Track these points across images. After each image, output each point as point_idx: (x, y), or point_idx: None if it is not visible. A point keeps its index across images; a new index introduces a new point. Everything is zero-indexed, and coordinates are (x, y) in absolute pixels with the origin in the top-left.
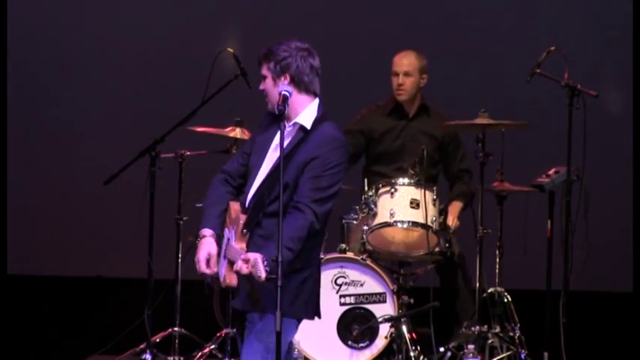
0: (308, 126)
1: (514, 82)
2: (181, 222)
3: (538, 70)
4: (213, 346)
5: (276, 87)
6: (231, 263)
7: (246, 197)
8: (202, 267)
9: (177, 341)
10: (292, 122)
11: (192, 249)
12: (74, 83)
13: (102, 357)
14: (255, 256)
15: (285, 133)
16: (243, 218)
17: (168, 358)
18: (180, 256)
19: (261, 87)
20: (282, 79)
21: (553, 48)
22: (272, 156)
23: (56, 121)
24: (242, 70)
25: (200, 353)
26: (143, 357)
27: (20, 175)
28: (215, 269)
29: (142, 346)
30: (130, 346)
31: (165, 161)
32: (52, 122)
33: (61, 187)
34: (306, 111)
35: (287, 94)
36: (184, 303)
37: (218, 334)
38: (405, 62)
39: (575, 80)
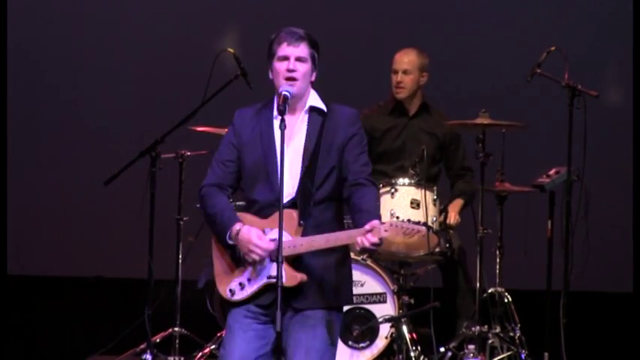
0: (324, 107)
1: (514, 82)
2: (182, 222)
3: (538, 70)
4: (213, 346)
5: (310, 77)
6: (290, 262)
7: (280, 193)
8: (261, 243)
9: (177, 341)
10: (307, 107)
11: (192, 249)
12: (74, 83)
13: (102, 357)
14: (374, 222)
15: (299, 118)
16: (295, 212)
17: (169, 358)
18: (180, 256)
19: (294, 67)
20: (315, 71)
21: (553, 48)
22: (292, 147)
23: (56, 121)
24: (242, 70)
25: (200, 353)
26: (143, 357)
27: (20, 175)
28: (271, 244)
29: (142, 346)
30: (131, 346)
31: (166, 161)
32: (52, 122)
33: (61, 187)
34: (312, 96)
35: (287, 94)
36: (184, 303)
37: (218, 334)
38: (405, 60)
39: (576, 80)
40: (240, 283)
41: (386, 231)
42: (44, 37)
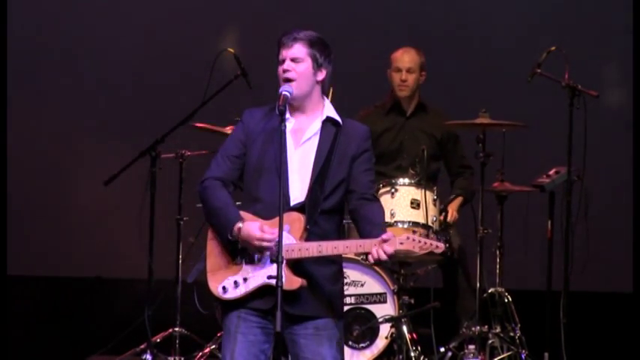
0: (340, 120)
1: (514, 82)
2: (182, 222)
3: (538, 71)
4: (213, 346)
5: (314, 76)
6: (290, 266)
7: (286, 196)
8: (265, 235)
9: (177, 341)
10: (325, 116)
11: (192, 249)
12: (74, 83)
13: (102, 357)
14: (389, 235)
15: (313, 124)
16: (302, 216)
17: (169, 358)
18: (180, 256)
19: (288, 67)
20: (322, 70)
21: (553, 48)
22: (302, 152)
23: (56, 121)
24: (243, 70)
25: (200, 353)
26: (143, 357)
27: (20, 175)
28: (273, 234)
29: (142, 347)
30: (131, 346)
31: (166, 161)
32: (52, 122)
33: (61, 187)
34: (327, 107)
35: (287, 94)
36: (184, 303)
37: (218, 334)
38: (408, 58)
39: (576, 80)
40: (235, 282)
41: (401, 244)
42: (44, 36)
